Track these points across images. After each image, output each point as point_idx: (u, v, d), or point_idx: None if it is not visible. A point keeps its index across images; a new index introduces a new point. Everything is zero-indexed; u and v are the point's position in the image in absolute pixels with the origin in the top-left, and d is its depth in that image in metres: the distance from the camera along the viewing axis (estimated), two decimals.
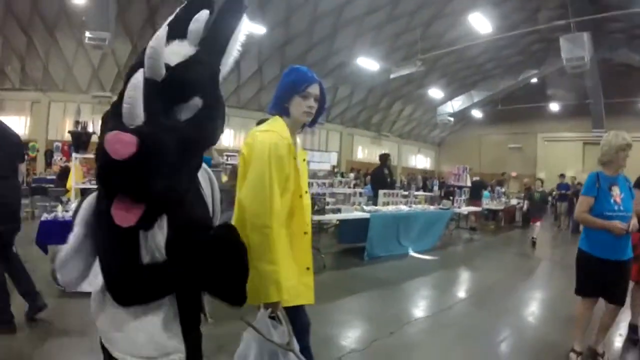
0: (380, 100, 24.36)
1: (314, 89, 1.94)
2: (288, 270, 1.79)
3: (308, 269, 1.94)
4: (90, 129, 6.42)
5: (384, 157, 9.55)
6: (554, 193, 15.97)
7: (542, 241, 10.39)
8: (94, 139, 10.21)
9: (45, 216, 4.65)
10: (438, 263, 7.42)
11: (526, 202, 12.01)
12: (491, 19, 13.99)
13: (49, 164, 15.33)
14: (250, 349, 1.75)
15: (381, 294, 5.31)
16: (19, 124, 16.28)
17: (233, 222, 1.82)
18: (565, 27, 13.26)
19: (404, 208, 8.34)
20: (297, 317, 1.88)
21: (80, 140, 6.03)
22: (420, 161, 31.68)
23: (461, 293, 5.82)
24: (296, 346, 1.77)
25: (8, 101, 16.03)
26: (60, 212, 4.69)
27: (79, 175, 5.68)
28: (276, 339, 1.71)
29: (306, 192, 1.99)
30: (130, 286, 1.26)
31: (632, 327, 3.90)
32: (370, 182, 10.50)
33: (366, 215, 7.12)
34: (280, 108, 1.96)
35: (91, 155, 5.83)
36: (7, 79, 15.71)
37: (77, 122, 6.46)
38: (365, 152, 26.51)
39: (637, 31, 16.24)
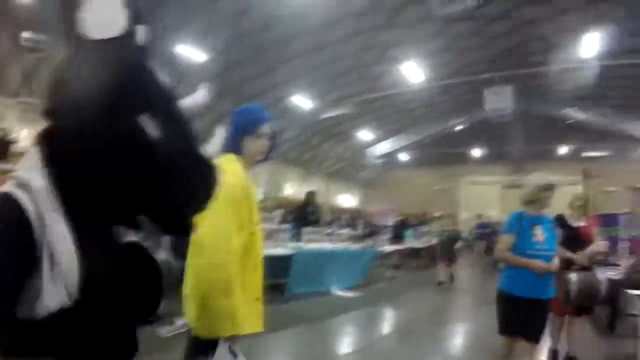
0: (312, 138, 24.72)
1: (267, 129, 2.00)
2: (242, 304, 1.82)
3: (258, 299, 1.97)
4: (11, 137, 5.55)
5: (309, 195, 9.55)
6: (473, 232, 16.83)
7: (461, 278, 10.78)
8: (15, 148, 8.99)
9: None
10: (362, 300, 7.36)
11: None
12: (425, 68, 14.99)
13: None
14: None
15: (303, 332, 5.11)
16: None
17: (188, 259, 1.82)
18: (491, 80, 14.68)
19: (327, 245, 8.31)
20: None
21: None
22: (348, 200, 32.25)
23: (385, 329, 5.78)
24: None
25: None
26: None
27: None
28: None
29: (258, 226, 2.01)
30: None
31: (552, 352, 4.11)
32: (292, 219, 10.32)
33: (290, 251, 6.96)
34: (234, 147, 1.98)
35: (8, 166, 5.04)
36: None
37: None
38: (294, 190, 26.44)
39: (556, 86, 17.61)
